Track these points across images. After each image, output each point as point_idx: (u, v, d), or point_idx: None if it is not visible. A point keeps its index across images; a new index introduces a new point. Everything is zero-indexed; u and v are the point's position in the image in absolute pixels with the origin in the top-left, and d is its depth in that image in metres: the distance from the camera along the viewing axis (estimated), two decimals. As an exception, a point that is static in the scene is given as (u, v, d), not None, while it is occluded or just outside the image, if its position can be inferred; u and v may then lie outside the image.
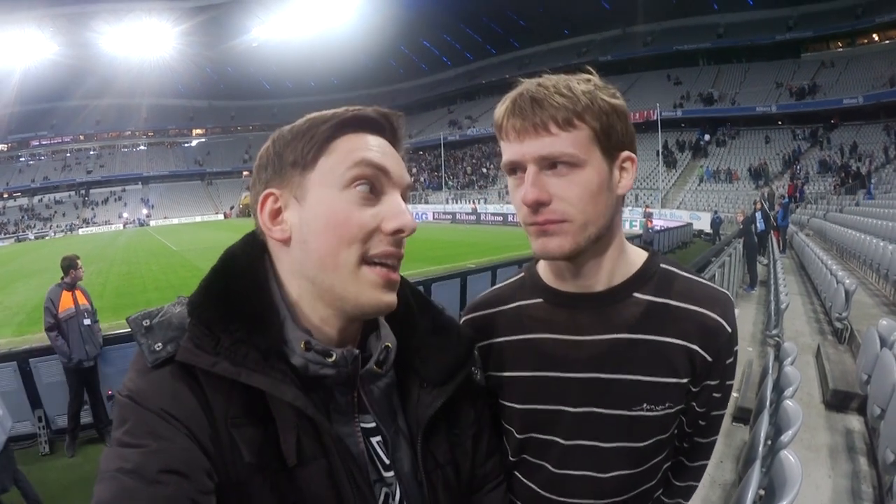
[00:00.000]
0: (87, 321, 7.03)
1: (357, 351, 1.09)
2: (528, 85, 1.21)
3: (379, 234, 1.04)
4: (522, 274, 1.53)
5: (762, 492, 2.91)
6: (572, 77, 1.23)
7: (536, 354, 1.38)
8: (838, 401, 6.24)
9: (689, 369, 1.30)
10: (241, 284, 1.07)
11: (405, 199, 1.12)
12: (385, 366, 1.15)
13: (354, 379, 1.11)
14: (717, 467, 5.10)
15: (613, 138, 1.22)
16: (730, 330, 1.33)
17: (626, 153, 1.26)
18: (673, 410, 1.32)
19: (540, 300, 1.43)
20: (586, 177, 1.19)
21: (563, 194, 1.18)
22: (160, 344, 0.98)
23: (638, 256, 1.40)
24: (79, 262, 7.21)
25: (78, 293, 7.16)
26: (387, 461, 1.13)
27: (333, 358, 1.05)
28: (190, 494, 0.87)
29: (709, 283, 1.38)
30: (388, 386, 1.19)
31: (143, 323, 1.01)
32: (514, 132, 1.19)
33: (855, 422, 5.84)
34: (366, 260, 1.04)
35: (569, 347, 1.35)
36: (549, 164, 1.18)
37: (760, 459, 3.11)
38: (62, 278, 7.13)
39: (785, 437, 3.28)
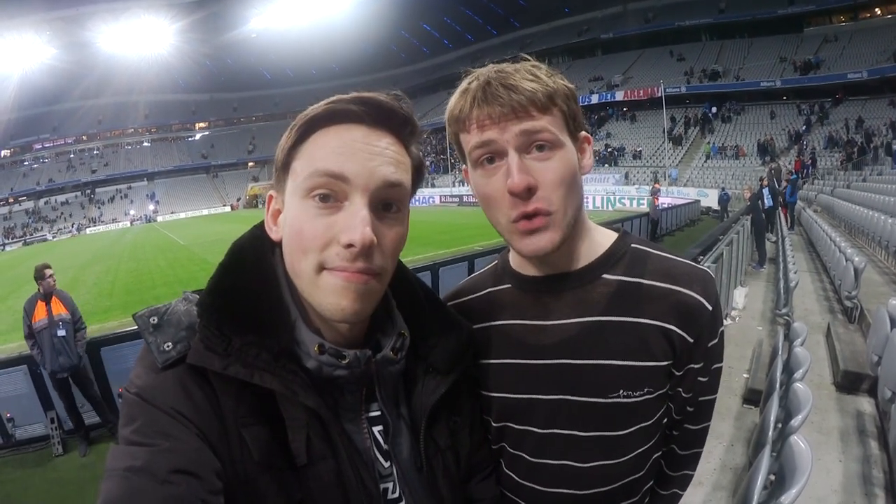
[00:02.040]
0: (61, 332, 6.83)
1: (370, 352, 1.09)
2: (487, 75, 1.18)
3: (336, 245, 1.00)
4: (496, 262, 1.52)
5: (772, 477, 2.90)
6: (523, 64, 1.21)
7: (505, 341, 1.37)
8: (849, 382, 6.20)
9: (668, 352, 1.26)
10: (250, 283, 1.06)
11: (383, 198, 1.05)
12: (401, 353, 1.15)
13: (365, 377, 1.11)
14: (728, 451, 5.10)
15: (577, 120, 1.24)
16: (710, 308, 1.27)
17: (583, 133, 1.27)
18: (654, 396, 1.28)
19: (508, 286, 1.42)
20: (565, 158, 1.19)
21: (548, 178, 1.16)
22: (169, 344, 0.98)
23: (606, 237, 1.38)
24: (47, 271, 7.00)
25: (55, 302, 7.00)
26: (385, 447, 1.13)
27: (347, 360, 1.04)
28: (200, 495, 0.87)
29: (686, 260, 1.33)
30: (398, 373, 1.18)
31: (151, 320, 1.01)
32: (490, 120, 1.15)
33: (865, 404, 5.80)
34: (325, 267, 1.01)
35: (536, 333, 1.33)
36: (529, 147, 1.16)
37: (770, 444, 3.09)
38: (38, 288, 7.03)
39: (795, 422, 3.25)
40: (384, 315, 1.19)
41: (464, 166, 1.31)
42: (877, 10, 53.13)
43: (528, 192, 1.15)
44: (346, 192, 1.01)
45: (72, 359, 6.85)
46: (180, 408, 0.92)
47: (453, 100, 1.23)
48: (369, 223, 1.00)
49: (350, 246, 0.98)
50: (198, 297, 1.06)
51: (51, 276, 7.02)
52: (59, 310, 6.98)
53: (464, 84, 1.22)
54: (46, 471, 6.57)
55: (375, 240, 1.00)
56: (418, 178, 1.17)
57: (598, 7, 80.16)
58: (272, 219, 1.12)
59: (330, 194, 1.01)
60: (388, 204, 1.07)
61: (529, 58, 1.25)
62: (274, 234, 1.11)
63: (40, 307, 6.94)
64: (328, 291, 1.01)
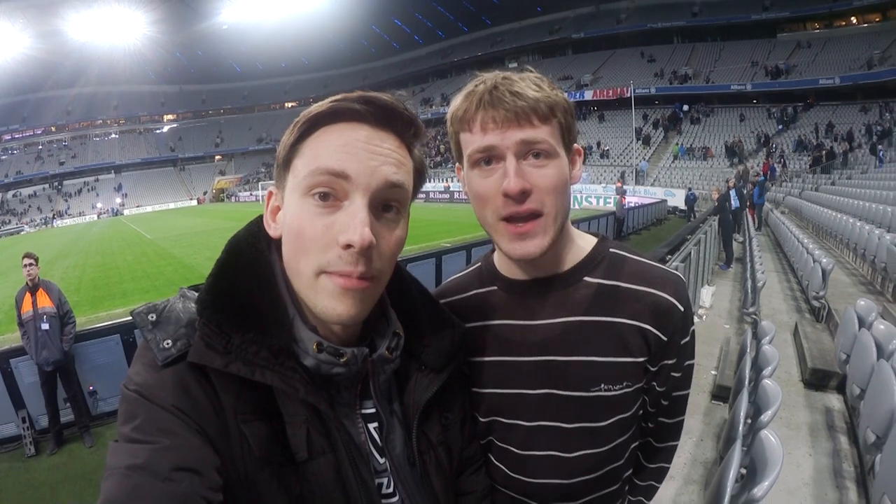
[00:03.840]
0: (45, 325, 6.68)
1: (367, 350, 1.11)
2: (494, 79, 1.22)
3: (335, 246, 0.99)
4: (479, 264, 1.56)
5: (743, 470, 2.97)
6: (527, 74, 1.26)
7: (493, 340, 1.42)
8: (817, 379, 6.33)
9: (644, 349, 1.33)
10: (249, 281, 1.06)
11: (383, 199, 1.05)
12: (396, 351, 1.17)
13: (360, 374, 1.12)
14: (698, 445, 5.18)
15: (572, 133, 1.29)
16: (682, 309, 1.35)
17: (576, 146, 1.32)
18: (632, 389, 1.35)
19: (494, 288, 1.47)
20: (559, 167, 1.23)
21: (542, 184, 1.21)
22: (169, 341, 0.98)
23: (587, 242, 1.45)
24: (25, 260, 6.83)
25: (41, 294, 6.85)
26: (380, 443, 1.15)
27: (345, 358, 1.06)
28: (201, 492, 0.87)
29: (659, 265, 1.41)
30: (392, 371, 1.20)
31: (149, 317, 1.01)
32: (493, 122, 1.19)
33: (834, 400, 5.94)
34: (324, 271, 1.01)
35: (523, 332, 1.39)
36: (526, 153, 1.20)
37: (741, 439, 3.15)
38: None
39: (765, 417, 3.34)
40: (379, 314, 1.21)
41: (458, 165, 1.35)
42: (852, 18, 53.72)
43: (522, 195, 1.20)
44: (346, 190, 1.01)
45: (55, 353, 6.69)
46: (181, 405, 0.93)
47: (458, 100, 1.26)
48: (368, 224, 0.99)
49: (349, 247, 0.98)
50: (195, 293, 1.07)
51: (27, 265, 6.84)
52: (44, 302, 6.82)
53: (469, 86, 1.26)
54: (19, 473, 6.45)
55: (374, 241, 1.00)
56: (420, 180, 1.19)
57: (570, 7, 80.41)
58: (271, 216, 1.12)
59: (330, 193, 1.01)
60: (388, 205, 1.07)
61: (530, 69, 1.30)
62: (273, 231, 1.11)
63: (27, 299, 6.81)
64: (325, 295, 1.01)
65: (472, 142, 1.24)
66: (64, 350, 6.81)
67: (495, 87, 1.20)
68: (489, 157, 1.23)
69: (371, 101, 1.05)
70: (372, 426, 1.15)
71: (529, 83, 1.21)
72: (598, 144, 51.99)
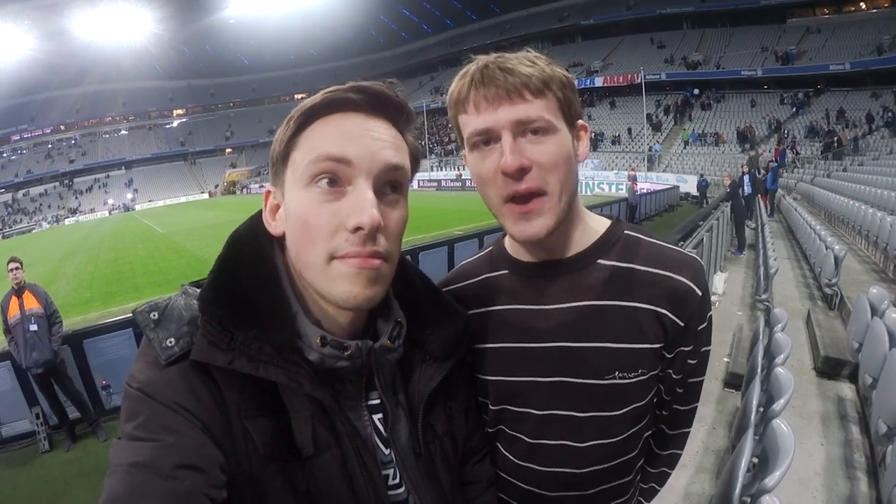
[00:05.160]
0: (33, 327, 6.64)
1: (371, 342, 1.10)
2: (486, 59, 1.22)
3: (343, 231, 1.00)
4: (491, 247, 1.54)
5: (755, 459, 2.96)
6: (523, 52, 1.25)
7: (503, 326, 1.39)
8: (829, 368, 6.29)
9: (660, 335, 1.30)
10: (251, 277, 1.06)
11: (386, 181, 1.07)
12: (398, 341, 1.16)
13: (365, 367, 1.12)
14: (710, 434, 5.16)
15: (573, 108, 1.25)
16: (700, 294, 1.31)
17: (580, 122, 1.29)
18: (647, 377, 1.31)
19: (505, 272, 1.44)
20: (559, 142, 1.20)
21: (541, 160, 1.18)
22: (172, 339, 0.97)
23: (600, 223, 1.41)
24: (10, 265, 6.82)
25: (27, 296, 6.82)
26: (385, 434, 1.14)
27: (349, 351, 1.05)
28: (204, 490, 0.87)
29: (676, 248, 1.37)
30: (396, 361, 1.20)
31: (151, 316, 1.00)
32: (486, 101, 1.18)
33: (846, 389, 5.89)
34: (334, 256, 1.01)
35: (535, 317, 1.35)
36: (524, 130, 1.18)
37: (753, 427, 3.13)
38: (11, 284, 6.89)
39: (777, 406, 3.32)
40: (382, 304, 1.19)
41: (463, 152, 1.33)
42: (861, 3, 53.01)
43: (521, 173, 1.17)
44: (349, 176, 1.02)
45: (45, 354, 6.65)
46: (184, 402, 0.92)
47: (454, 83, 1.26)
48: (376, 205, 1.01)
49: (358, 229, 0.99)
50: (197, 290, 1.06)
51: (12, 269, 6.81)
52: (31, 304, 6.80)
53: (464, 68, 1.25)
54: (34, 468, 6.51)
55: (382, 222, 1.01)
56: (415, 164, 1.19)
57: (579, -7, 79.93)
58: (271, 214, 1.12)
59: (335, 178, 1.01)
60: (391, 187, 1.08)
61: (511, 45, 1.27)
62: (274, 229, 1.11)
63: (13, 302, 6.80)
64: (340, 280, 1.01)
65: (469, 123, 1.23)
66: (53, 350, 6.79)
67: (486, 65, 1.20)
68: (487, 137, 1.21)
69: (364, 90, 1.06)
70: (377, 417, 1.15)
71: (522, 59, 1.20)
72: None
